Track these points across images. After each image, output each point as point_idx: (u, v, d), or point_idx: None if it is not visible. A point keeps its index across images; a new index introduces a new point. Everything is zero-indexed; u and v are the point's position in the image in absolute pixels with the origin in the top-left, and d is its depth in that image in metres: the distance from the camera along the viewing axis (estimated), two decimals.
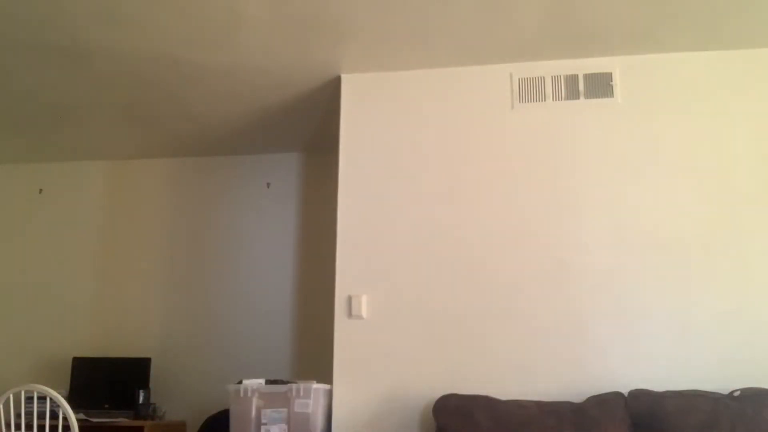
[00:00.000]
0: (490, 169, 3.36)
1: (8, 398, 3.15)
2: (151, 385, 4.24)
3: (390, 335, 3.23)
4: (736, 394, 2.76)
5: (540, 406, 2.83)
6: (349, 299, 3.30)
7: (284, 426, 3.08)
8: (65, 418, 3.20)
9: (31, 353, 4.53)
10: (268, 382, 3.22)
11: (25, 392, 3.16)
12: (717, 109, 3.28)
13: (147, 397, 4.04)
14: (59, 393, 3.24)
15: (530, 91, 3.43)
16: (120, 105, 3.96)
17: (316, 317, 4.32)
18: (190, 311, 4.46)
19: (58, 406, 3.14)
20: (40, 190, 4.86)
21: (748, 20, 3.09)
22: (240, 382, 3.20)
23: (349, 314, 3.29)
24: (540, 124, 3.39)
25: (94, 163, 4.85)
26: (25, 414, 3.48)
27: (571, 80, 3.41)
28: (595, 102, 3.37)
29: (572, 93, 3.40)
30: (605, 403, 2.79)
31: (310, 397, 3.09)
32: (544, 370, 3.08)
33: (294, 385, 3.12)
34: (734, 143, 3.23)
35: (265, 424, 3.09)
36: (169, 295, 4.51)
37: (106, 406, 4.12)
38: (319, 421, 3.09)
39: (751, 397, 2.70)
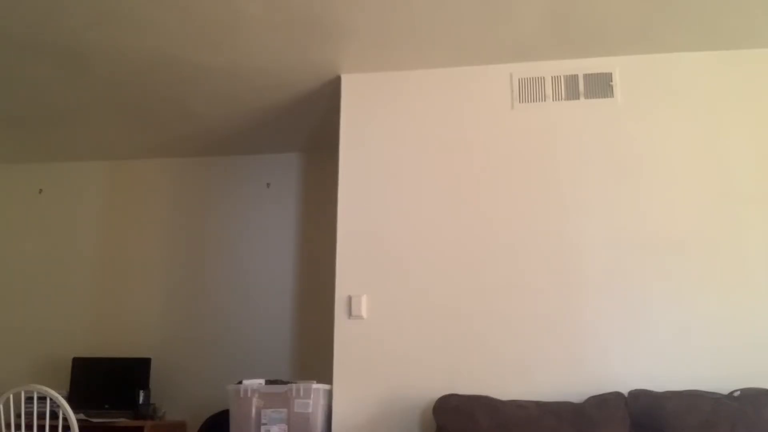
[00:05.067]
0: (490, 169, 3.37)
1: (8, 398, 3.15)
2: (151, 385, 4.25)
3: (390, 335, 3.23)
4: (736, 394, 2.76)
5: (540, 406, 2.83)
6: (349, 299, 3.30)
7: (284, 426, 3.08)
8: (65, 419, 3.20)
9: (31, 353, 4.53)
10: (268, 382, 3.22)
11: (25, 392, 3.16)
12: (717, 109, 3.29)
13: (147, 397, 4.04)
14: (59, 393, 3.25)
15: (530, 91, 3.43)
16: (120, 105, 3.96)
17: (316, 317, 4.32)
18: (190, 311, 4.46)
19: (58, 406, 3.14)
20: (40, 190, 4.86)
21: (748, 20, 3.10)
22: (240, 382, 3.19)
23: (349, 314, 3.29)
24: (540, 124, 3.39)
25: (94, 163, 4.85)
26: (25, 414, 3.49)
27: (571, 80, 3.41)
28: (595, 102, 3.37)
29: (572, 93, 3.40)
30: (605, 403, 2.79)
31: (310, 397, 3.09)
32: (544, 370, 3.08)
33: (294, 385, 3.12)
34: (734, 143, 3.23)
35: (265, 424, 3.09)
36: (169, 295, 4.51)
37: (106, 406, 4.12)
38: (319, 421, 3.10)
39: (751, 397, 2.70)
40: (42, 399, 3.68)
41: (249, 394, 3.14)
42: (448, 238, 3.31)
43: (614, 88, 3.37)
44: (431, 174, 3.41)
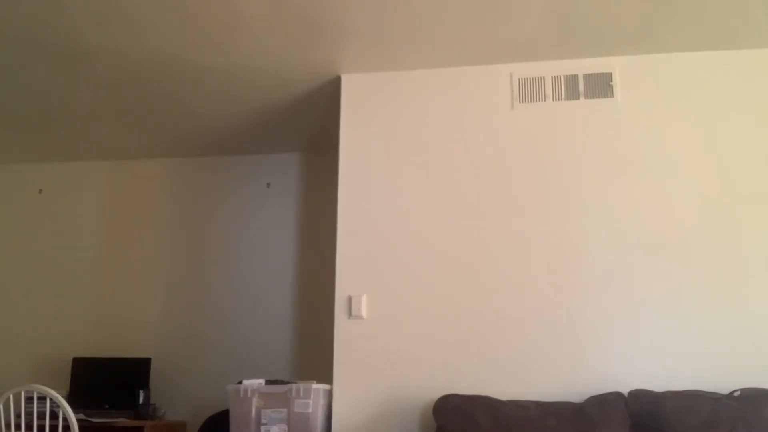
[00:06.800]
0: (490, 169, 3.37)
1: (8, 398, 3.15)
2: (151, 385, 4.25)
3: (390, 335, 3.23)
4: (736, 394, 2.76)
5: (540, 406, 2.83)
6: (349, 299, 3.30)
7: (284, 426, 3.08)
8: (65, 419, 3.20)
9: (31, 353, 4.53)
10: (268, 382, 3.22)
11: (25, 392, 3.16)
12: (717, 109, 3.29)
13: (147, 397, 4.04)
14: (59, 393, 3.25)
15: (530, 91, 3.43)
16: (120, 105, 3.96)
17: (316, 317, 4.32)
18: (190, 311, 4.46)
19: (58, 406, 3.14)
20: (40, 190, 4.86)
21: (748, 20, 3.10)
22: (240, 382, 3.19)
23: (349, 314, 3.29)
24: (540, 124, 3.39)
25: (94, 163, 4.85)
26: (25, 414, 3.49)
27: (571, 80, 3.41)
28: (595, 102, 3.37)
29: (572, 93, 3.40)
30: (605, 403, 2.79)
31: (310, 397, 3.09)
32: (544, 370, 3.08)
33: (294, 385, 3.12)
34: (734, 143, 3.23)
35: (265, 424, 3.09)
36: (169, 295, 4.51)
37: (106, 406, 4.12)
38: (319, 421, 3.10)
39: (751, 397, 2.70)
40: (42, 399, 3.68)
41: (249, 394, 3.14)
42: (448, 237, 3.31)
43: (614, 88, 3.37)
44: (431, 174, 3.41)
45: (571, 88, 3.40)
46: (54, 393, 3.13)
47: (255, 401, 3.13)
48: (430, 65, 3.52)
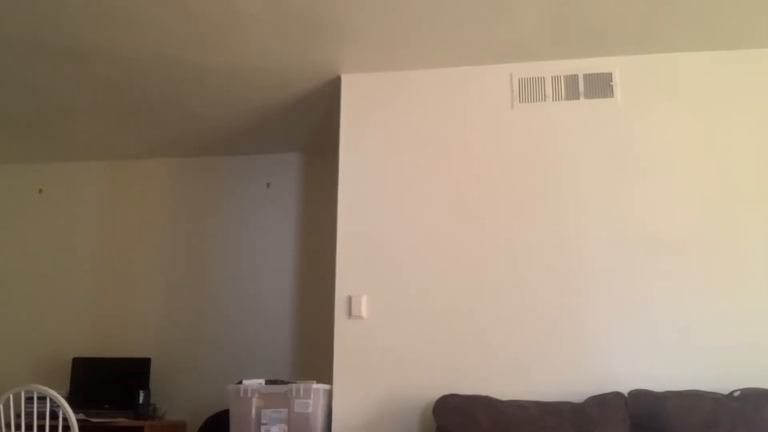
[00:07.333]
0: (490, 169, 3.36)
1: (8, 398, 3.15)
2: (151, 385, 4.25)
3: (390, 335, 3.23)
4: (736, 394, 2.76)
5: (540, 406, 2.83)
6: (349, 299, 3.30)
7: (284, 426, 3.08)
8: (65, 419, 3.20)
9: (31, 353, 4.53)
10: (268, 382, 3.22)
11: (25, 392, 3.16)
12: (717, 109, 3.29)
13: (147, 397, 4.04)
14: (59, 393, 3.24)
15: (530, 91, 3.43)
16: (120, 105, 3.96)
17: (316, 317, 4.32)
18: (190, 311, 4.46)
19: (58, 406, 3.14)
20: (40, 190, 4.86)
21: (748, 20, 3.10)
22: (240, 382, 3.20)
23: (349, 314, 3.29)
24: (540, 124, 3.39)
25: (94, 163, 4.85)
26: (25, 414, 3.49)
27: (571, 80, 3.41)
28: (595, 102, 3.37)
29: (572, 93, 3.40)
30: (605, 403, 2.79)
31: (310, 397, 3.09)
32: (544, 370, 3.08)
33: (294, 385, 3.12)
34: (734, 143, 3.23)
35: (265, 424, 3.09)
36: (169, 295, 4.51)
37: (106, 406, 4.12)
38: (319, 421, 3.10)
39: (751, 397, 2.70)
40: (42, 399, 3.68)
41: (249, 394, 3.14)
42: (448, 238, 3.31)
43: (614, 88, 3.37)
44: (431, 174, 3.41)
45: (571, 88, 3.40)
46: (54, 393, 3.13)
47: (255, 401, 3.13)
48: (430, 65, 3.52)
